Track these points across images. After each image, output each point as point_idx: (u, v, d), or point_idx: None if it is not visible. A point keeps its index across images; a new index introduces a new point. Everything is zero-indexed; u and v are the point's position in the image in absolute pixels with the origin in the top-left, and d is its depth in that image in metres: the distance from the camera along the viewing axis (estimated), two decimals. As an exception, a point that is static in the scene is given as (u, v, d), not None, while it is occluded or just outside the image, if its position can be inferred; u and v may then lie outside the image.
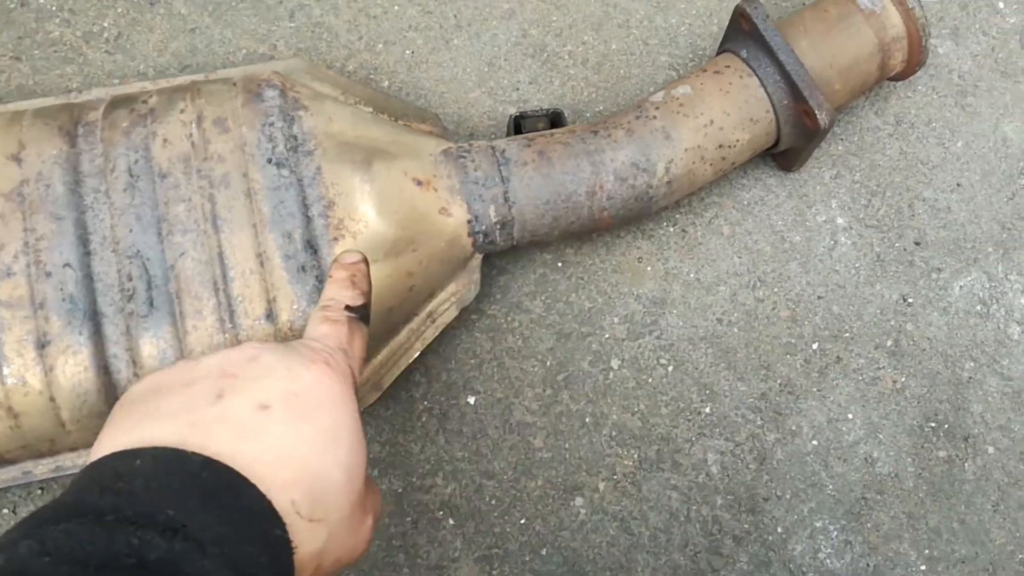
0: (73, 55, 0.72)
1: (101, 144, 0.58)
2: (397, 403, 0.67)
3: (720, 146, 0.65)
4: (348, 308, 0.46)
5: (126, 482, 0.33)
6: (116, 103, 0.60)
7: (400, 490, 0.65)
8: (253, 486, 0.35)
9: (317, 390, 0.39)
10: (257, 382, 0.38)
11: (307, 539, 0.36)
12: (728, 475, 0.67)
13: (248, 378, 0.38)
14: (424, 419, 0.67)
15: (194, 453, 0.35)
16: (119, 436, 0.36)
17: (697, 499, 0.67)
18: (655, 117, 0.65)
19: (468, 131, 0.74)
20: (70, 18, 0.73)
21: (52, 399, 0.54)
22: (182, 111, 0.59)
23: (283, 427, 0.37)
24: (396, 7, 0.77)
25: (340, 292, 0.47)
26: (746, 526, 0.66)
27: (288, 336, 0.56)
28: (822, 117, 0.65)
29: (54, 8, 0.73)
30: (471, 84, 0.75)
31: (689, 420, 0.68)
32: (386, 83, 0.74)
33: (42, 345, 0.54)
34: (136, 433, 0.36)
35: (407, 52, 0.75)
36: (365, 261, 0.50)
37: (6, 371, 0.54)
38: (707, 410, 0.69)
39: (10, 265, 0.55)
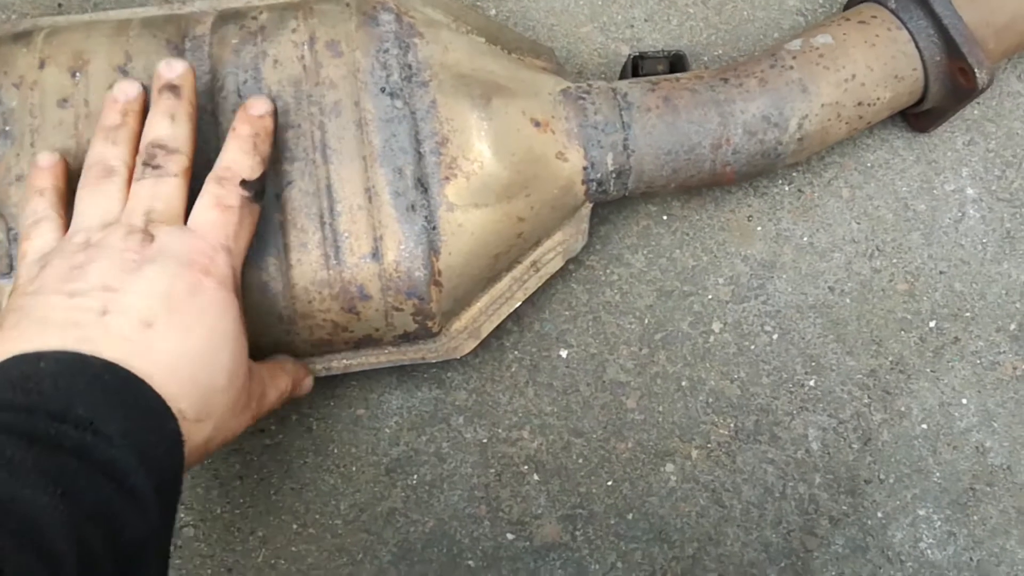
0: (172, -38, 0.68)
1: (209, 61, 0.55)
2: (487, 351, 0.65)
3: (859, 104, 0.60)
4: (243, 183, 0.46)
5: (35, 383, 0.37)
6: (225, 17, 0.57)
7: (485, 440, 0.63)
8: (149, 387, 0.40)
9: (197, 301, 0.42)
10: (139, 297, 0.41)
11: (194, 434, 0.42)
12: (829, 453, 0.64)
13: (130, 292, 0.41)
14: (514, 369, 0.65)
15: (94, 357, 0.39)
16: (16, 342, 0.39)
17: (794, 475, 0.64)
18: (792, 68, 0.60)
19: (577, 68, 0.69)
20: (168, -78, 0.70)
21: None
22: (294, 31, 0.56)
23: (167, 344, 0.41)
24: (508, -71, 0.72)
25: (239, 158, 0.47)
26: (844, 508, 0.63)
27: (393, 277, 0.54)
28: (981, 76, 0.60)
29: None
30: (583, 18, 0.70)
31: (791, 392, 0.65)
32: (492, 11, 0.70)
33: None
34: (33, 342, 0.39)
35: (519, -21, 0.71)
36: (274, 114, 0.50)
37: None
38: (811, 383, 0.65)
39: (112, 183, 0.53)
